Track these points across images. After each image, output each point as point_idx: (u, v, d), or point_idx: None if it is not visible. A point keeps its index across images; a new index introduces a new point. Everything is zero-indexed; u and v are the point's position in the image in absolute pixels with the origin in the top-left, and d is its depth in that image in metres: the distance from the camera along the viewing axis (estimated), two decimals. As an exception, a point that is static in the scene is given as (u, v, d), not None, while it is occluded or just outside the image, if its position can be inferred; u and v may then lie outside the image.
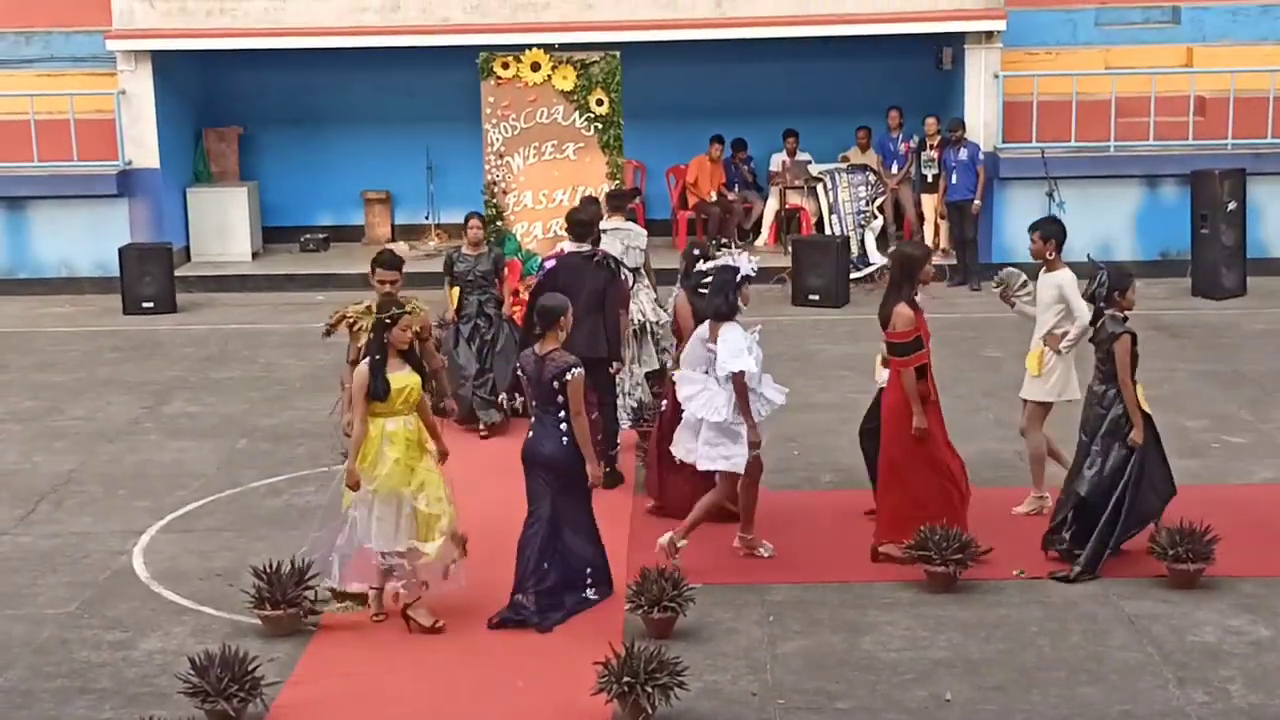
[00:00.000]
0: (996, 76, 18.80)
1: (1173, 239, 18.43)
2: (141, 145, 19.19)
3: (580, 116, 16.53)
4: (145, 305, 17.83)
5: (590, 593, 9.05)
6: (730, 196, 20.28)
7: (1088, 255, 10.79)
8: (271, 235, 20.88)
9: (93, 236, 19.07)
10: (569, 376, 8.68)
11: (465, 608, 8.98)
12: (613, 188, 14.81)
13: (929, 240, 19.36)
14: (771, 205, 20.15)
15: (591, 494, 9.05)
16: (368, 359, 8.76)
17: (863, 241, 18.70)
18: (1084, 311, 10.15)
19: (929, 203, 19.22)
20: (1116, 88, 18.74)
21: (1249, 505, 10.32)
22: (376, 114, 20.97)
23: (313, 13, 19.20)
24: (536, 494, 8.92)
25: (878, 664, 8.24)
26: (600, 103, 16.55)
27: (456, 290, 12.70)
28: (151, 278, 17.91)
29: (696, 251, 10.86)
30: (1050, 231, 10.56)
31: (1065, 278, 10.36)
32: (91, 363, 15.63)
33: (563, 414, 8.75)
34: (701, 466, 9.56)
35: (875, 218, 18.92)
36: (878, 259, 18.59)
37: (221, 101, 20.99)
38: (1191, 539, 9.12)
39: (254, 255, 20.25)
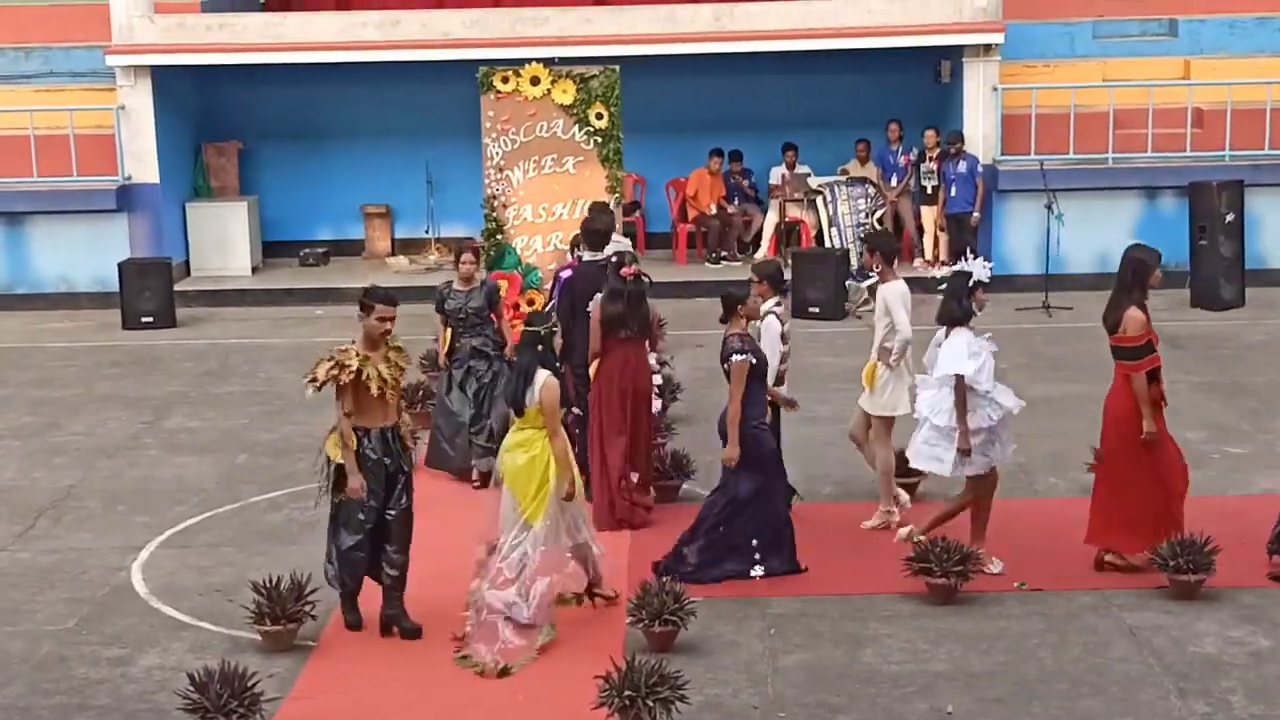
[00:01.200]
0: (995, 89, 18.83)
1: (1171, 250, 18.26)
2: (141, 160, 19.20)
3: (580, 130, 16.52)
4: (145, 320, 17.82)
5: (757, 569, 9.46)
6: (730, 209, 20.30)
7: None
8: (271, 250, 20.88)
9: (92, 251, 19.07)
10: (733, 360, 9.30)
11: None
12: (610, 202, 14.79)
13: (928, 253, 19.40)
14: (771, 218, 20.16)
15: (777, 475, 9.67)
16: (549, 372, 8.88)
17: (862, 254, 18.69)
18: (906, 326, 10.18)
19: (929, 215, 19.24)
20: (1114, 100, 18.77)
21: (1249, 516, 10.30)
22: (376, 128, 20.99)
23: (312, 28, 19.24)
24: (722, 471, 9.51)
25: (879, 676, 8.23)
26: (600, 116, 16.54)
27: (449, 331, 11.72)
28: (151, 293, 17.90)
29: (615, 259, 11.03)
30: (877, 244, 10.67)
31: (891, 292, 10.36)
32: (91, 378, 15.63)
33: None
34: (914, 464, 9.84)
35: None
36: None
37: (221, 116, 21.00)
38: (1192, 550, 9.12)
39: (254, 270, 20.25)
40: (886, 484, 10.52)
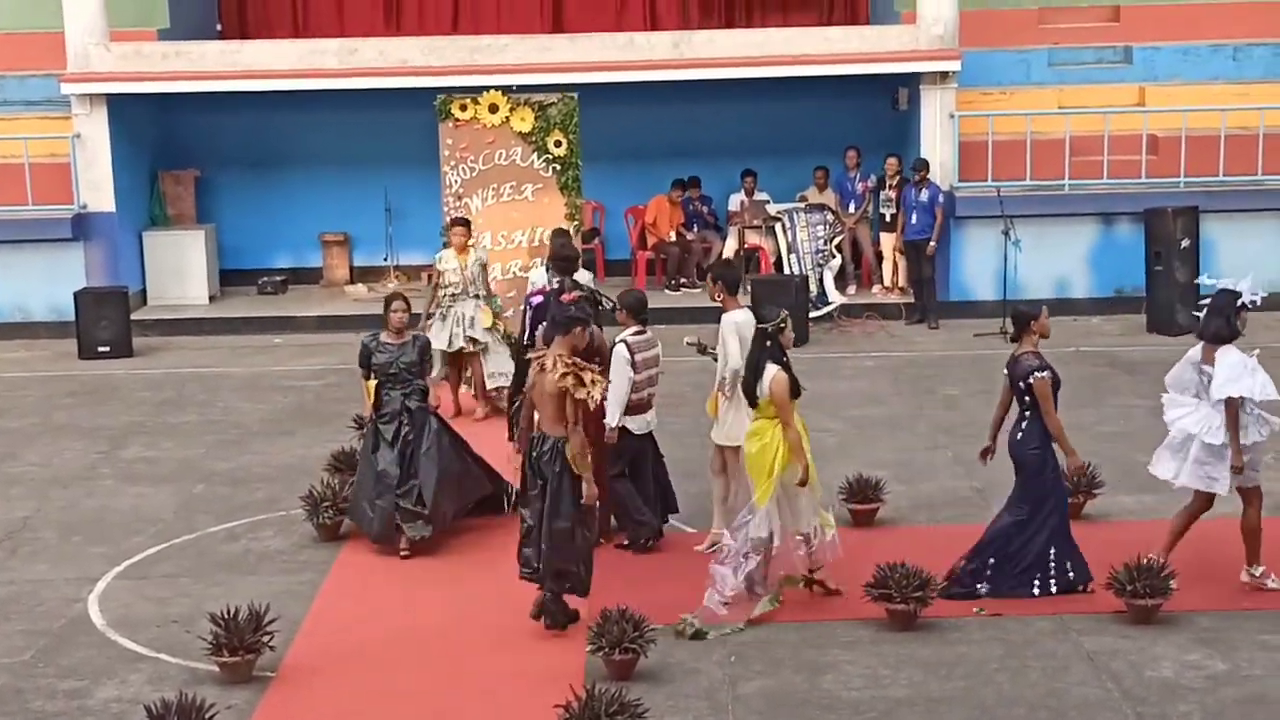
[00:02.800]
0: (952, 116, 18.94)
1: (1127, 276, 18.56)
2: (97, 189, 19.10)
3: (538, 158, 16.55)
4: (101, 349, 17.70)
5: (1040, 586, 9.54)
6: (689, 236, 20.34)
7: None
8: (229, 278, 20.79)
9: (48, 280, 18.94)
10: (1033, 378, 9.44)
11: (429, 654, 8.96)
12: (569, 229, 14.86)
13: (887, 279, 19.48)
14: (730, 245, 20.20)
15: (1065, 498, 9.84)
16: (778, 365, 9.44)
17: (821, 281, 18.76)
18: (735, 356, 10.15)
19: (887, 242, 19.32)
20: (1070, 127, 18.90)
21: (1205, 540, 10.34)
22: (334, 156, 20.95)
23: (270, 55, 19.20)
24: (1019, 490, 9.69)
25: (839, 703, 8.23)
26: (558, 144, 16.57)
27: (374, 384, 10.86)
28: (107, 322, 17.79)
29: (558, 285, 11.73)
30: (719, 274, 10.69)
31: (726, 321, 10.36)
32: (47, 408, 15.51)
33: (1028, 413, 9.51)
34: (1181, 483, 9.80)
35: (834, 257, 18.99)
36: (836, 298, 18.68)
37: (177, 144, 20.93)
38: (1149, 574, 9.16)
39: (211, 298, 20.16)
40: (723, 510, 10.50)
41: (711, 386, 10.51)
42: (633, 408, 10.45)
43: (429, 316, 14.31)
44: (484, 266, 14.51)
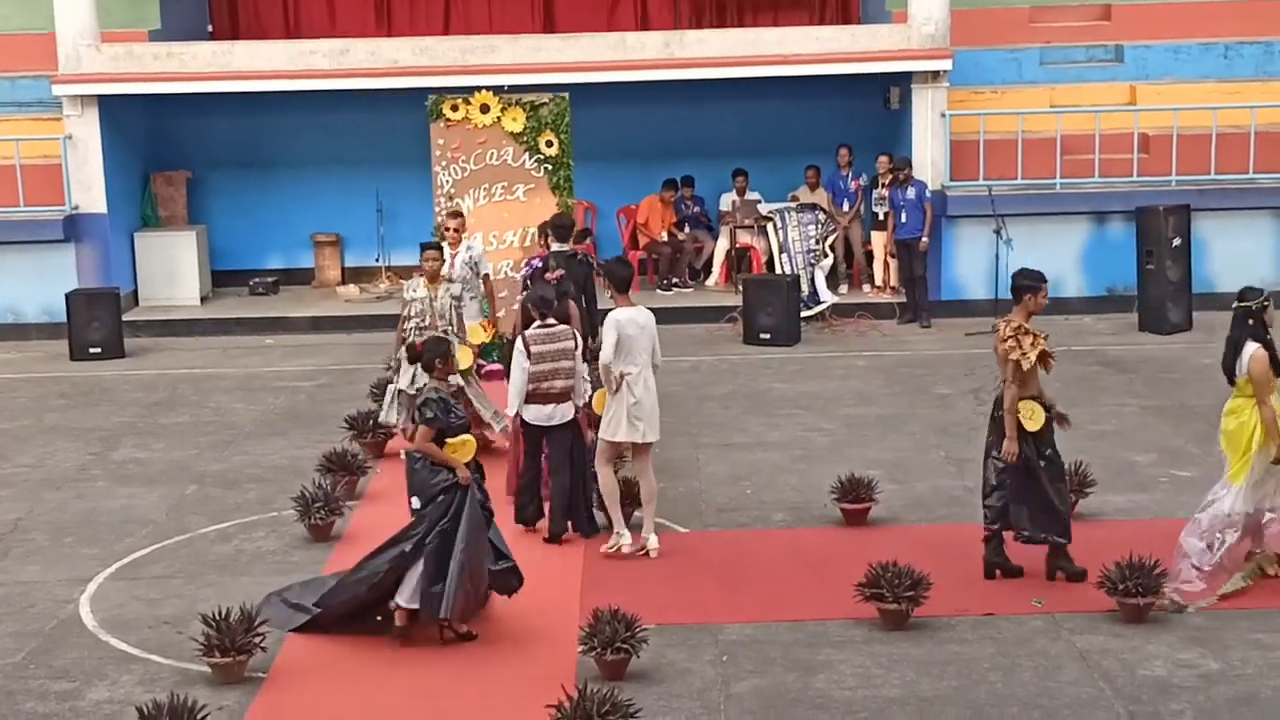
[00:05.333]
0: (943, 115, 18.95)
1: (1119, 275, 18.58)
2: (88, 190, 19.07)
3: (530, 158, 16.56)
4: (93, 351, 17.68)
5: None
6: (681, 236, 20.34)
7: None
8: (220, 279, 20.78)
9: (39, 282, 18.91)
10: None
11: (420, 655, 8.96)
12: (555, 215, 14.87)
13: (879, 278, 19.48)
14: (722, 245, 20.21)
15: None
16: (1258, 343, 9.56)
17: (813, 280, 18.76)
18: (608, 353, 10.28)
19: (879, 240, 19.33)
20: (1062, 126, 18.91)
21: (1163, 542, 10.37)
22: (326, 157, 20.94)
23: (261, 57, 19.17)
24: None
25: (831, 703, 8.23)
26: (550, 144, 16.59)
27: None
28: (99, 323, 17.77)
29: (540, 264, 12.65)
30: (608, 271, 10.86)
31: (609, 318, 10.51)
32: (38, 409, 15.49)
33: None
34: None
35: (825, 256, 19.00)
36: (828, 297, 18.68)
37: (169, 145, 20.91)
38: (1141, 573, 9.17)
39: (203, 299, 20.14)
40: (614, 506, 10.57)
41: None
42: (532, 397, 10.61)
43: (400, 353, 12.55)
44: (457, 299, 12.75)
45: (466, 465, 9.07)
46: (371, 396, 13.97)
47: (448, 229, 14.43)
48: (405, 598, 9.03)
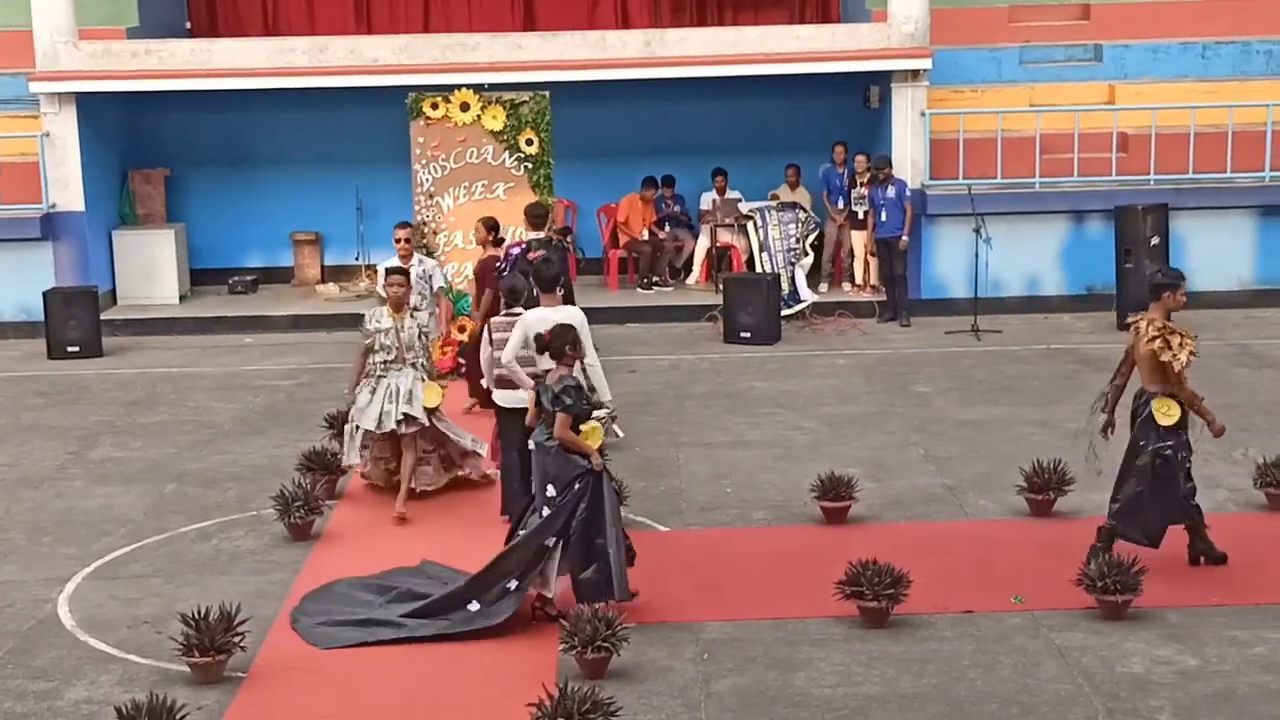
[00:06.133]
0: (923, 114, 18.98)
1: (1098, 273, 18.63)
2: (66, 188, 19.00)
3: (510, 156, 16.56)
4: (70, 349, 17.62)
5: None
6: (661, 235, 20.34)
7: None
8: (199, 278, 20.72)
9: (16, 280, 18.84)
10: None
11: (401, 654, 8.95)
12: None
13: (859, 277, 19.51)
14: (702, 243, 20.22)
15: None
16: None
17: (793, 279, 18.77)
18: (509, 351, 10.39)
19: (859, 239, 19.35)
20: (1041, 125, 18.96)
21: (1175, 536, 10.40)
22: (305, 155, 20.89)
23: (240, 54, 19.12)
24: None
25: (811, 700, 8.24)
26: (530, 142, 16.58)
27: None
28: (77, 321, 17.70)
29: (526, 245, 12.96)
30: (535, 270, 11.04)
31: (520, 318, 10.64)
32: (15, 408, 15.43)
33: None
34: None
35: (806, 255, 19.01)
36: (808, 296, 18.70)
37: (147, 143, 20.84)
38: (1119, 570, 9.20)
39: (181, 298, 20.07)
40: None
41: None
42: (500, 382, 10.78)
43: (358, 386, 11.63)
44: (424, 331, 11.63)
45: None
46: (329, 427, 12.92)
47: (397, 241, 13.76)
48: (550, 588, 9.23)
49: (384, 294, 11.86)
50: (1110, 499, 9.99)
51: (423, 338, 11.53)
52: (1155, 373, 9.72)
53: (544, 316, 10.35)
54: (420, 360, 11.50)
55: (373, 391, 11.38)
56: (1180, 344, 9.60)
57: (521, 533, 9.30)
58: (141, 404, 15.47)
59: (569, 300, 11.29)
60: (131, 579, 10.39)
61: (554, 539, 9.17)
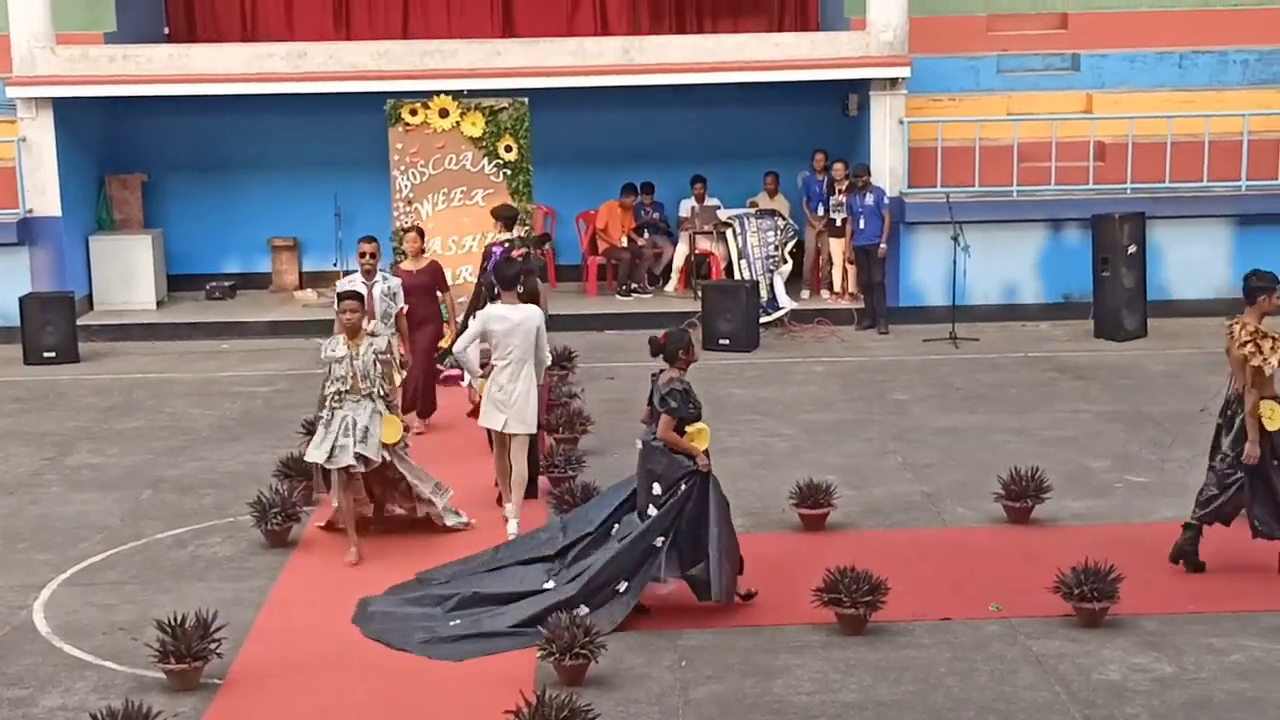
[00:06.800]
0: (901, 122, 19.01)
1: (1075, 282, 18.68)
2: (43, 193, 18.92)
3: (489, 163, 16.55)
4: (47, 355, 17.54)
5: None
6: (640, 242, 20.34)
7: None
8: (177, 283, 20.64)
9: (-7, 285, 18.77)
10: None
11: (378, 661, 8.93)
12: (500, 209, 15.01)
13: (837, 284, 19.53)
14: (681, 250, 20.22)
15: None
16: None
17: (772, 286, 18.79)
18: (460, 343, 11.10)
19: (837, 247, 19.37)
20: (1018, 133, 19.01)
21: (1152, 544, 10.45)
22: (283, 160, 20.84)
23: (218, 59, 19.07)
24: None
25: (789, 708, 8.25)
26: (509, 149, 16.58)
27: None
28: (53, 327, 17.63)
29: (509, 244, 13.49)
30: (498, 271, 11.48)
31: (479, 313, 11.35)
32: (-8, 414, 15.37)
33: None
34: None
35: (785, 262, 19.03)
36: (787, 303, 18.72)
37: (125, 148, 20.77)
38: (1096, 578, 9.22)
39: (159, 304, 20.01)
40: (504, 486, 11.28)
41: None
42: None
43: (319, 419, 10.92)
44: (382, 354, 10.80)
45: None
46: (307, 434, 12.01)
47: (361, 255, 13.02)
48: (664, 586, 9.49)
49: (339, 320, 10.91)
50: (1246, 510, 9.98)
51: (377, 365, 10.65)
52: (1252, 375, 9.68)
53: (503, 314, 10.95)
54: (377, 390, 10.65)
55: (326, 425, 10.59)
56: (1272, 348, 9.61)
57: (625, 536, 9.49)
58: (118, 410, 15.41)
59: (533, 299, 11.43)
60: (108, 585, 10.35)
61: (661, 538, 9.38)
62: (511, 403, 10.92)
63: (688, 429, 9.50)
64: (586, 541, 9.62)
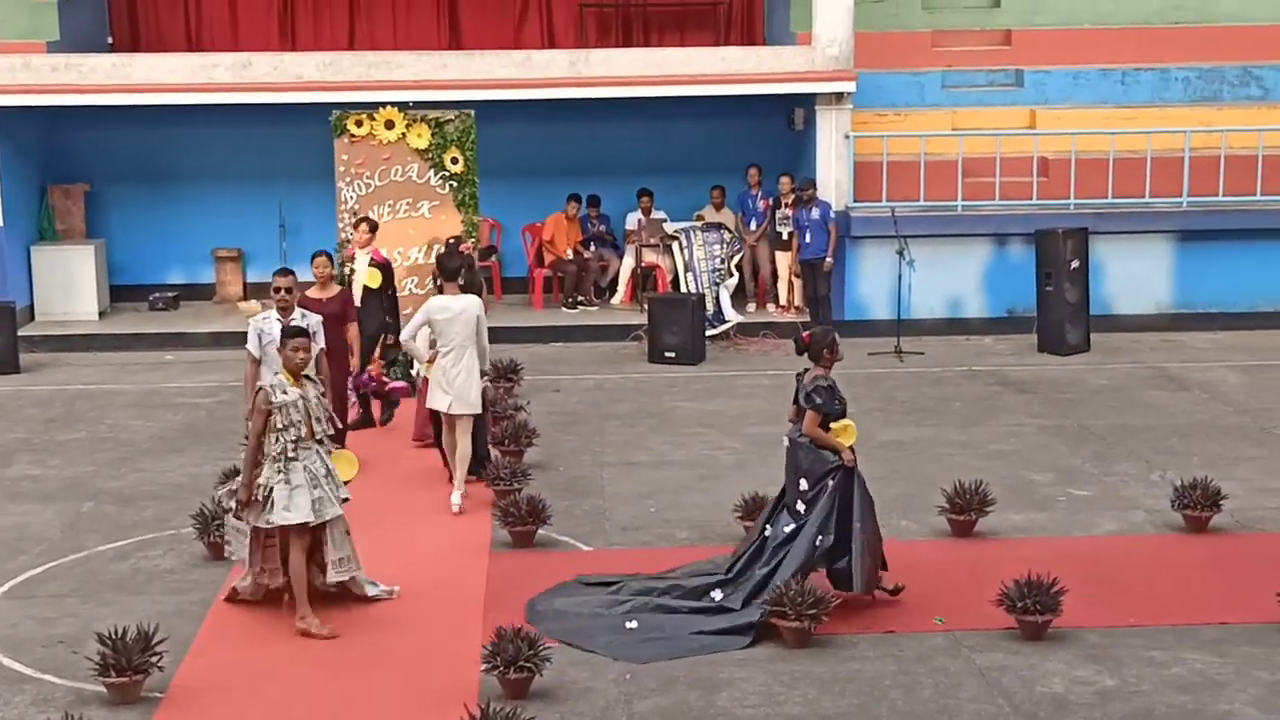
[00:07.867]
0: (847, 137, 19.11)
1: (1019, 296, 18.82)
2: (-16, 202, 18.78)
3: (435, 175, 16.52)
4: (-13, 366, 17.38)
5: None
6: (586, 254, 20.34)
7: None
8: (120, 294, 20.50)
9: (-68, 296, 18.58)
10: None
11: (321, 674, 8.87)
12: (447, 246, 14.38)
13: (783, 298, 19.59)
14: (627, 263, 20.24)
15: None
16: None
17: (718, 299, 18.83)
18: (405, 331, 12.03)
19: (783, 260, 19.44)
20: (963, 148, 19.14)
21: (1094, 557, 10.52)
22: (228, 171, 20.74)
23: (162, 69, 18.95)
24: None
25: (734, 721, 8.25)
26: (455, 161, 16.56)
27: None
28: (-7, 338, 17.47)
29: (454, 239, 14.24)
30: (438, 261, 12.41)
31: (424, 304, 12.08)
32: (-70, 425, 15.19)
33: None
34: None
35: (730, 275, 19.07)
36: (733, 317, 18.75)
37: (67, 158, 20.61)
38: (1039, 591, 9.27)
39: (101, 314, 19.86)
40: (452, 464, 12.01)
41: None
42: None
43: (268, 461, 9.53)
44: (322, 395, 9.73)
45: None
46: (224, 485, 10.72)
47: (276, 291, 11.71)
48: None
49: (284, 358, 9.62)
50: None
51: (319, 405, 9.60)
52: None
53: (445, 305, 11.74)
54: (325, 432, 9.59)
55: (288, 482, 9.36)
56: None
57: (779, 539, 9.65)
58: (59, 421, 15.27)
59: (474, 290, 12.28)
60: (48, 598, 10.25)
61: (821, 537, 9.56)
62: (455, 386, 11.69)
63: (833, 425, 9.72)
64: (748, 555, 9.80)
